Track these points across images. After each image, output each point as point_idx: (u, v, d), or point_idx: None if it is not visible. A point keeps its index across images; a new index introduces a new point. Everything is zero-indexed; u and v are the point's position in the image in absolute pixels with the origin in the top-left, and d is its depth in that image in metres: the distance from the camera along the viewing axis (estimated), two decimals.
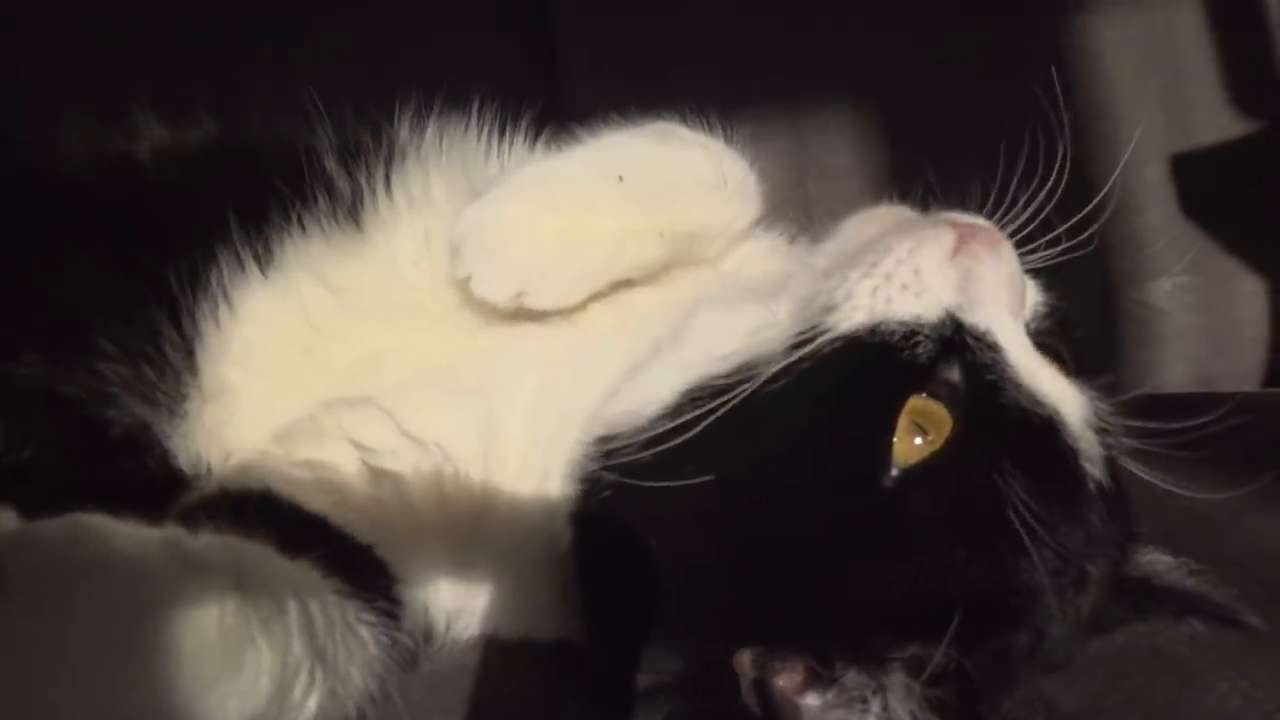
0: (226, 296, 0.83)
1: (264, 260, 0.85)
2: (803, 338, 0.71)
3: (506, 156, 0.96)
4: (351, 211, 0.87)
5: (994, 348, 0.70)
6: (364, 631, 0.72)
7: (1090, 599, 0.72)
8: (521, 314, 0.83)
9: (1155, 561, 0.80)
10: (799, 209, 1.67)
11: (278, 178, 0.86)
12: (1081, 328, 0.85)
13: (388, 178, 0.89)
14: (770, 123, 1.67)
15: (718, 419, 0.69)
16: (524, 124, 1.01)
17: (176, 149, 0.94)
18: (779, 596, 0.68)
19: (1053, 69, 1.17)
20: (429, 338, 0.87)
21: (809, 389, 0.69)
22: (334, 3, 1.57)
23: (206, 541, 0.66)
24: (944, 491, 0.67)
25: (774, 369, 0.70)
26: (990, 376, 0.70)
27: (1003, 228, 0.83)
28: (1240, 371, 1.70)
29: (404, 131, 0.95)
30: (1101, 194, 0.99)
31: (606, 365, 0.83)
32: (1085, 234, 0.86)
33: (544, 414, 0.84)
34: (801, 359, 0.69)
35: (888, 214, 0.82)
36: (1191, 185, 1.65)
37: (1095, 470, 0.71)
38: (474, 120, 0.98)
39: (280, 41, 1.50)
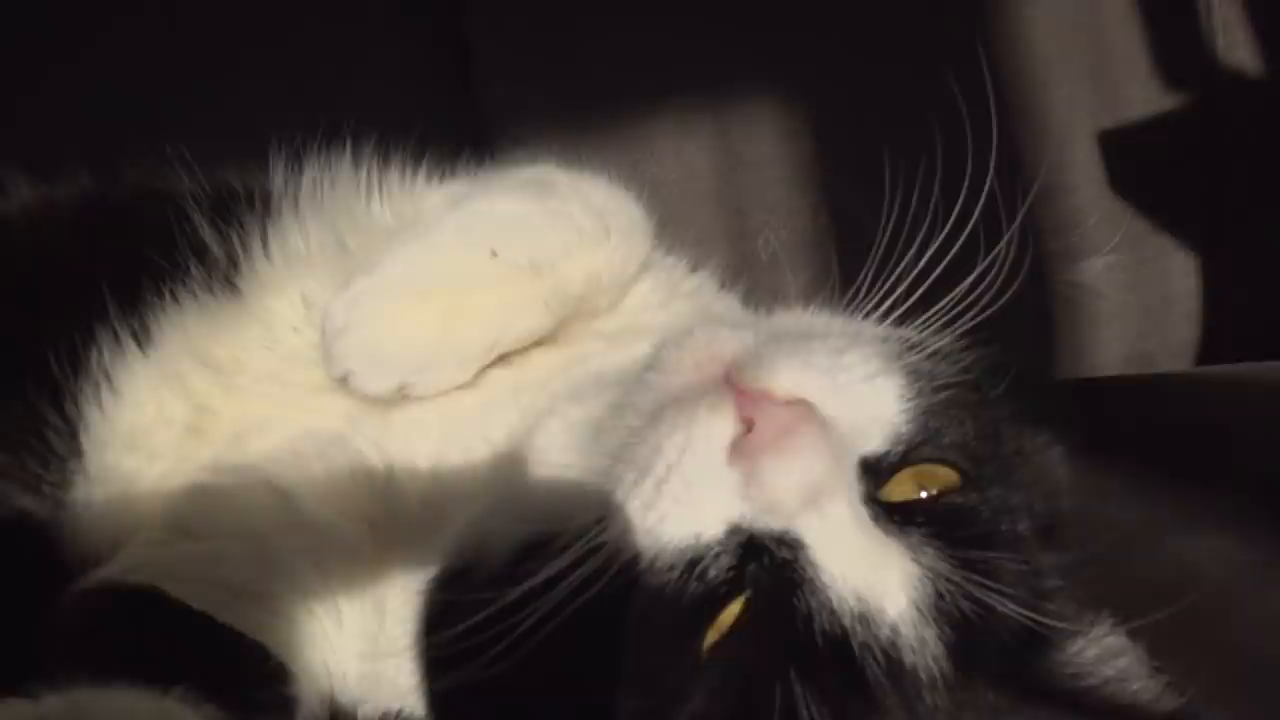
0: (108, 377, 0.77)
1: (142, 338, 0.79)
2: (599, 533, 0.61)
3: (387, 197, 0.90)
4: (227, 277, 0.82)
5: (794, 545, 0.60)
6: None
7: None
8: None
9: (1092, 654, 0.69)
10: (723, 201, 1.66)
11: (148, 245, 0.81)
12: (1001, 379, 0.78)
13: (263, 236, 0.84)
14: (693, 113, 1.65)
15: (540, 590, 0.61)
16: (406, 153, 0.96)
17: (47, 211, 0.88)
18: None
19: (979, 48, 1.11)
20: (316, 406, 0.81)
21: (607, 598, 0.60)
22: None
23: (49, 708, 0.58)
24: (730, 687, 0.59)
25: (578, 553, 0.60)
26: (789, 575, 0.60)
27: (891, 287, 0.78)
28: (1175, 348, 1.69)
29: (278, 179, 0.89)
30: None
31: (500, 430, 0.78)
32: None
33: (438, 481, 0.78)
34: (594, 557, 0.60)
35: (691, 360, 0.66)
36: (1120, 162, 1.63)
37: (914, 662, 0.60)
38: (352, 157, 0.92)
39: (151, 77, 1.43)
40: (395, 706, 0.74)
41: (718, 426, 0.59)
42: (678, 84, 1.64)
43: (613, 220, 0.84)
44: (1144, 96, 1.64)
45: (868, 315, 0.81)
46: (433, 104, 1.67)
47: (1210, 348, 1.68)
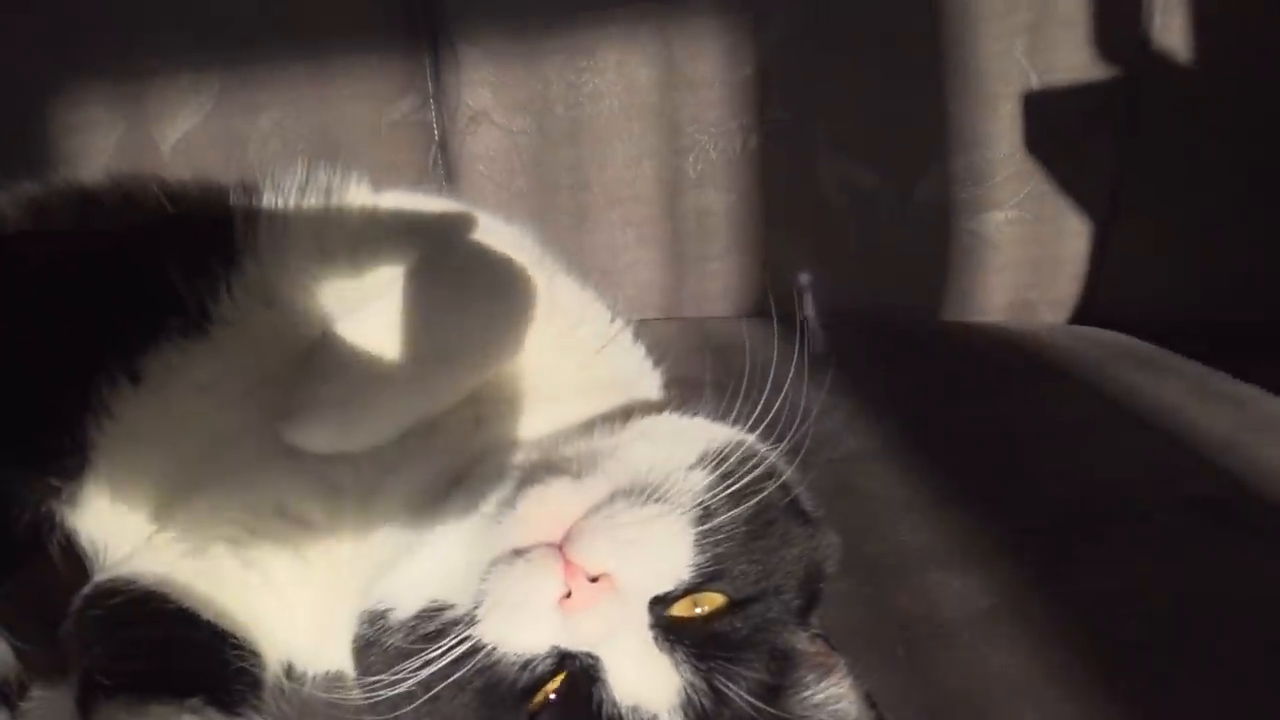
0: (107, 408, 0.94)
1: (132, 376, 0.94)
2: (469, 625, 0.82)
3: (339, 225, 1.03)
4: (199, 322, 0.96)
5: (594, 658, 0.81)
6: None
7: None
8: None
9: (816, 701, 0.88)
10: (661, 116, 1.75)
11: (131, 291, 0.96)
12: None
13: (229, 284, 0.97)
14: (640, 27, 1.72)
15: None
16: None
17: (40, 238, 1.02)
18: None
19: None
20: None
21: (469, 665, 0.82)
22: None
23: None
24: None
25: (457, 637, 0.82)
26: (590, 675, 0.81)
27: None
28: (1056, 302, 1.85)
29: (239, 226, 0.99)
30: None
31: (414, 488, 0.95)
32: None
33: (366, 517, 0.96)
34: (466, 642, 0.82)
35: (539, 516, 0.84)
36: (1038, 123, 1.73)
37: None
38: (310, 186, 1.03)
39: None
40: (338, 668, 0.98)
41: (549, 588, 0.80)
42: None
43: (535, 289, 0.99)
44: (1075, 64, 1.71)
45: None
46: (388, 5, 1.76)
47: (1086, 308, 1.83)
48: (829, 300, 1.68)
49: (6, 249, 1.00)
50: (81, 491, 0.94)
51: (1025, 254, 1.80)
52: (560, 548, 0.81)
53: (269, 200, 1.01)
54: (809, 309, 1.67)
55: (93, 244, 1.00)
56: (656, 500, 0.85)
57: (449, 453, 0.96)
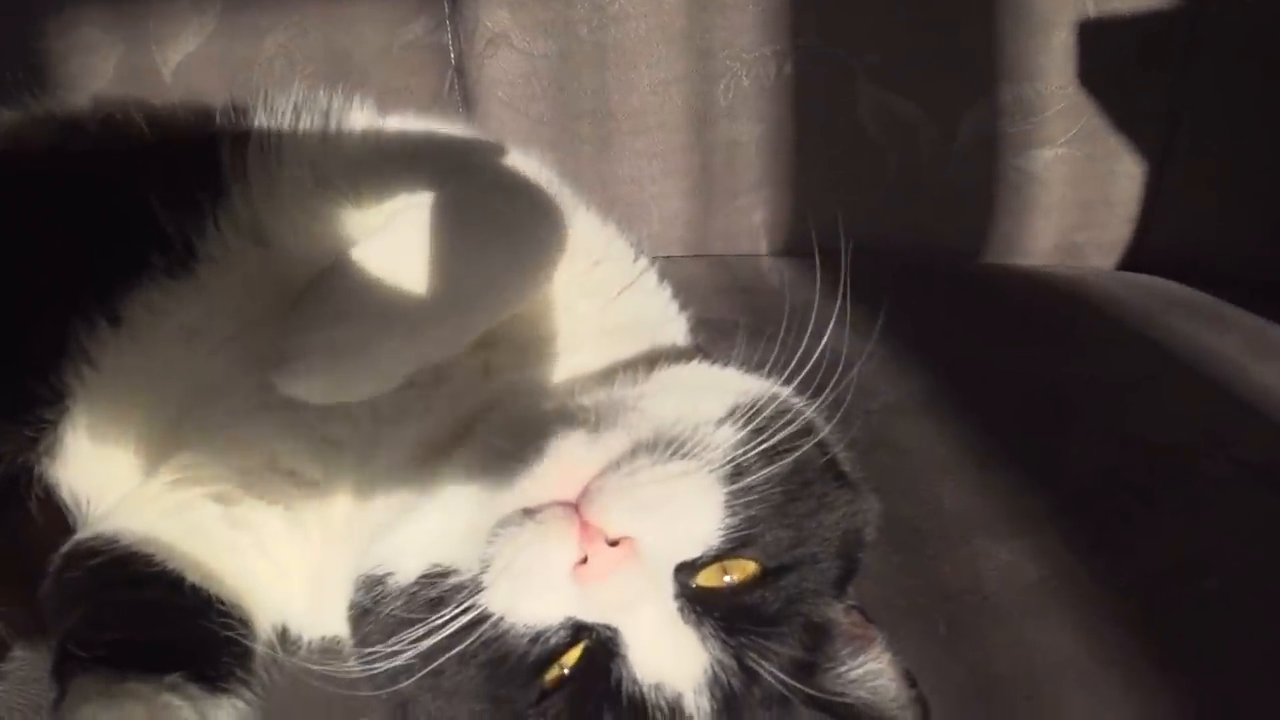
0: (86, 354, 0.86)
1: (112, 318, 0.87)
2: (474, 593, 0.75)
3: (339, 151, 0.94)
4: (184, 259, 0.88)
5: (612, 630, 0.74)
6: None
7: None
8: None
9: (854, 676, 0.83)
10: (690, 41, 1.65)
11: (112, 231, 0.88)
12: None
13: (215, 218, 0.89)
14: None
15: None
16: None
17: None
18: None
19: None
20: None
21: (475, 635, 0.75)
22: None
23: None
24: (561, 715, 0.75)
25: (460, 605, 0.75)
26: (609, 648, 0.74)
27: None
28: (1104, 247, 1.74)
29: (225, 154, 0.91)
30: None
31: (415, 440, 0.87)
32: None
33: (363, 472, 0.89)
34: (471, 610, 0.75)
35: (555, 473, 0.76)
36: (1094, 55, 1.61)
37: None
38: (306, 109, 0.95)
39: None
40: (332, 633, 0.91)
41: (564, 553, 0.73)
42: None
43: (542, 239, 0.90)
44: None
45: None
46: None
47: (1135, 252, 1.73)
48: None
49: None
50: (60, 442, 0.87)
51: (1075, 194, 1.69)
52: (576, 507, 0.74)
53: (260, 124, 0.92)
54: None
55: (68, 173, 0.91)
56: (683, 456, 0.77)
57: (455, 403, 0.88)
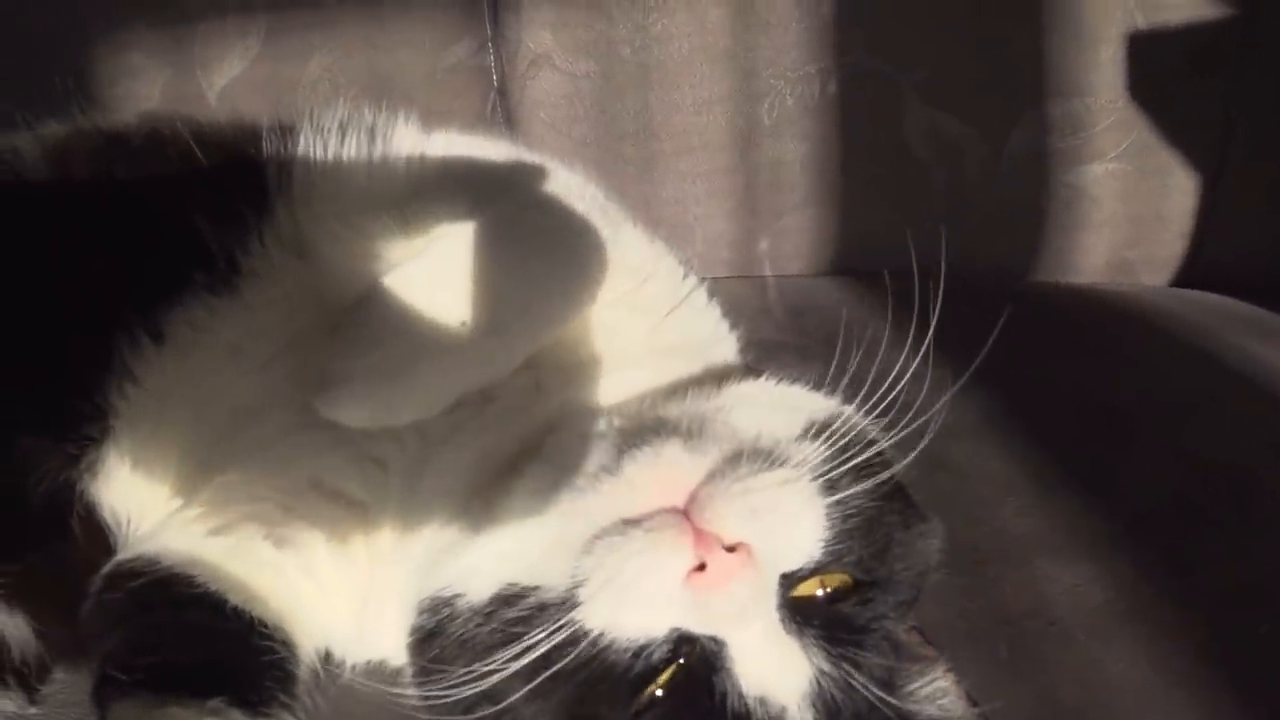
0: (129, 370, 0.86)
1: (155, 335, 0.87)
2: (566, 610, 0.73)
3: (384, 169, 0.93)
4: (227, 276, 0.88)
5: (720, 643, 0.72)
6: None
7: None
8: None
9: (925, 693, 0.81)
10: (734, 60, 1.64)
11: (156, 249, 0.88)
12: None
13: (260, 234, 0.89)
14: None
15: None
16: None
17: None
18: None
19: None
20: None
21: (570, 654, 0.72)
22: None
23: None
24: None
25: (550, 628, 0.72)
26: (713, 662, 0.72)
27: None
28: (1157, 263, 1.71)
29: (271, 170, 0.91)
30: None
31: (471, 462, 0.86)
32: None
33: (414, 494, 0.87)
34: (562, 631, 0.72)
35: (656, 483, 0.75)
36: (1143, 68, 1.59)
37: None
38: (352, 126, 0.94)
39: None
40: (379, 657, 0.90)
41: (678, 560, 0.71)
42: None
43: (605, 244, 0.89)
44: (1183, 1, 1.56)
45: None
46: None
47: (1187, 269, 1.70)
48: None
49: (22, 194, 0.91)
50: (102, 460, 0.87)
51: (1126, 209, 1.67)
52: (685, 514, 0.72)
53: (306, 142, 0.92)
54: None
55: (114, 188, 0.91)
56: (781, 466, 0.76)
57: (507, 423, 0.87)
